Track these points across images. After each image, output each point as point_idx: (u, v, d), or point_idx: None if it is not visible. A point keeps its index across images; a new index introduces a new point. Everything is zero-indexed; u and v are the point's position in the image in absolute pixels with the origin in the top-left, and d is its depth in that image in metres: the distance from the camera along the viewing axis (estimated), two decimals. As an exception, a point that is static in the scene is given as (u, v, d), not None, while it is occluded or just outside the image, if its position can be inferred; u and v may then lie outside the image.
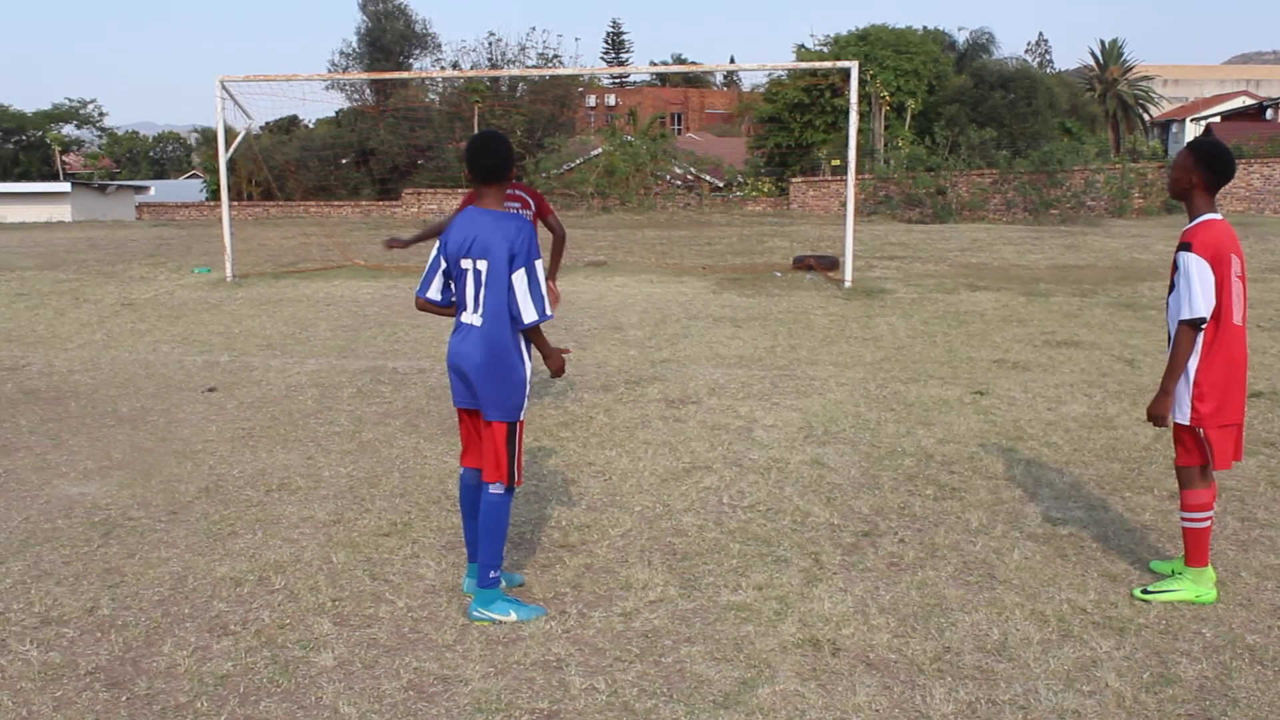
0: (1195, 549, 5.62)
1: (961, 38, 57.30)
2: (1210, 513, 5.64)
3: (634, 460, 8.21)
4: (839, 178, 39.81)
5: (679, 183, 45.07)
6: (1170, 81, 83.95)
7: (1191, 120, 69.25)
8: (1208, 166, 5.47)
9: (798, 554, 6.27)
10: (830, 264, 20.71)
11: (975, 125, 42.82)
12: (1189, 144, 5.62)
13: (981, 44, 57.25)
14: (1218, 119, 64.88)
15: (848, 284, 18.30)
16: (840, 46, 47.23)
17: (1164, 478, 7.67)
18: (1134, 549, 6.36)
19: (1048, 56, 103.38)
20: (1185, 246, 5.37)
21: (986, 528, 6.70)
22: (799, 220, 35.73)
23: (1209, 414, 5.46)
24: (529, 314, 5.27)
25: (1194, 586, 5.62)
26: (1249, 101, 70.37)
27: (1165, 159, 45.09)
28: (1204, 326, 5.37)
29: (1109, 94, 70.84)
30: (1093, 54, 75.60)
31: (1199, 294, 5.29)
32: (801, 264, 21.23)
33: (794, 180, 43.46)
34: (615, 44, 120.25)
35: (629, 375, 11.27)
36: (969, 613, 5.47)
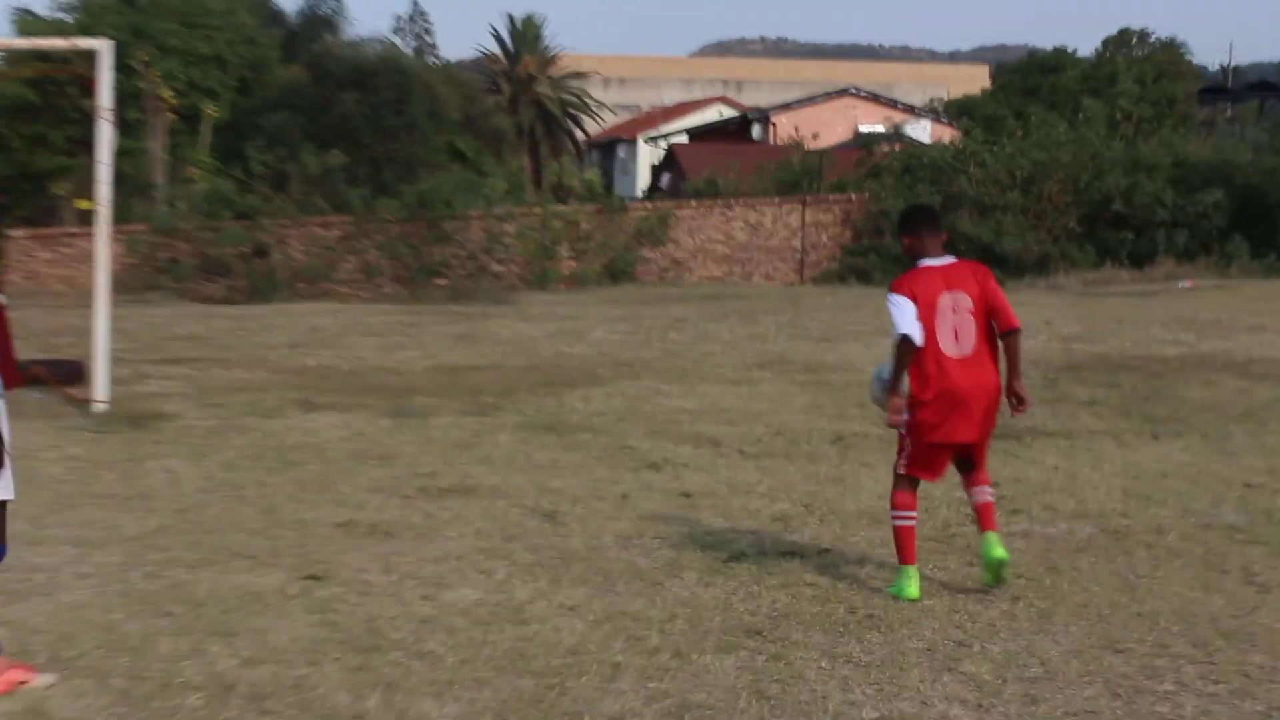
0: (901, 547, 6.73)
1: (293, 6, 46.41)
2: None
3: None
4: (90, 230, 28.60)
5: None
6: (615, 81, 67.80)
7: (646, 140, 55.01)
8: (901, 227, 7.01)
9: None
10: (72, 374, 15.69)
11: (315, 146, 33.39)
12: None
13: (325, 17, 45.63)
14: (684, 138, 50.99)
15: (102, 407, 13.98)
16: (92, 16, 35.44)
17: (599, 699, 5.61)
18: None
19: (428, 38, 70.34)
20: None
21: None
22: (24, 301, 27.60)
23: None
24: None
25: (899, 582, 6.72)
26: (729, 112, 57.32)
27: (610, 199, 37.66)
28: (911, 344, 6.56)
29: (523, 98, 55.38)
30: (496, 36, 57.66)
31: (897, 320, 6.64)
32: (26, 374, 16.76)
33: (15, 234, 31.24)
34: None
35: None
36: None
